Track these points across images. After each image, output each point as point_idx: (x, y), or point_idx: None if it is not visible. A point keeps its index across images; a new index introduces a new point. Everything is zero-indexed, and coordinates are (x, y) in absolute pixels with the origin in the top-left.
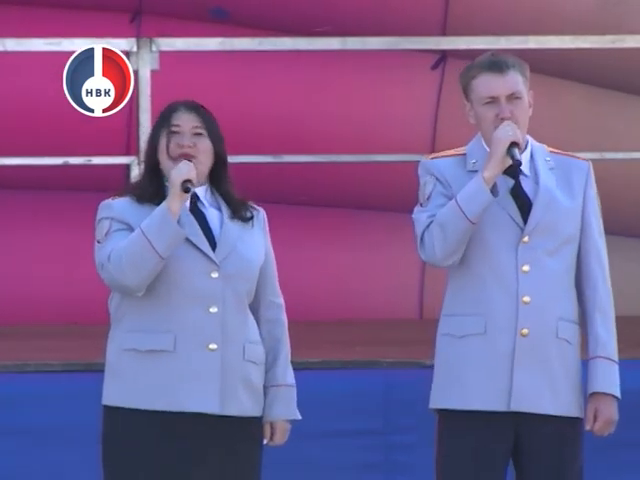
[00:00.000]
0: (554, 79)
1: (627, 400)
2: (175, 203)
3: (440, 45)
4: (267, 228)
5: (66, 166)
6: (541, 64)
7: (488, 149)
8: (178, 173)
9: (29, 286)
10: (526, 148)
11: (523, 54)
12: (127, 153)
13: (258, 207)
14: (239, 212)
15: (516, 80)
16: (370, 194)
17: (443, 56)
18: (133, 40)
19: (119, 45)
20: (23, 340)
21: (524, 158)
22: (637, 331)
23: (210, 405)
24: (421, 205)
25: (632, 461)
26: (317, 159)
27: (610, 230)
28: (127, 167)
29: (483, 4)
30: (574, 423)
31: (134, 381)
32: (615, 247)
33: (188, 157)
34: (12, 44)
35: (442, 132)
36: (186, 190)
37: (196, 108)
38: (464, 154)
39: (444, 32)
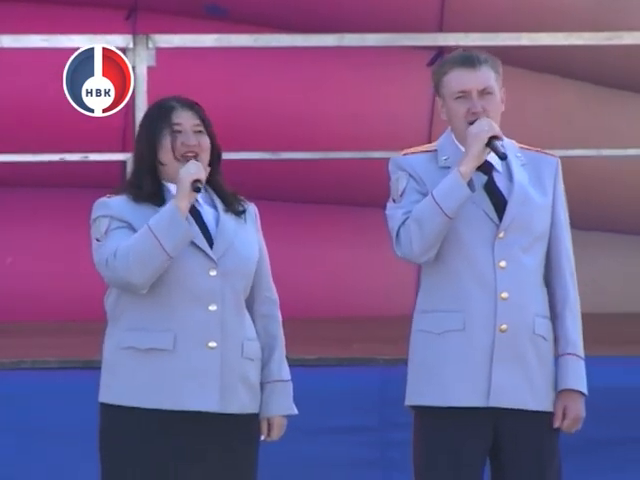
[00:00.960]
0: (550, 76)
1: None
2: (184, 202)
3: (436, 41)
4: (259, 223)
5: (63, 163)
6: (538, 61)
7: (460, 145)
8: (188, 172)
9: (26, 283)
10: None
11: (520, 51)
12: (124, 150)
13: (248, 202)
14: (232, 205)
15: (488, 75)
16: (367, 191)
17: (439, 52)
18: (129, 37)
19: (115, 42)
20: (20, 337)
21: (495, 156)
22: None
23: (210, 403)
24: (394, 201)
25: (625, 459)
26: (314, 156)
27: (600, 227)
28: (124, 164)
29: (480, 1)
30: (550, 418)
31: (133, 379)
32: (608, 244)
33: (192, 156)
34: (8, 40)
35: (438, 128)
36: (197, 190)
37: (192, 106)
38: (435, 150)
39: (441, 29)
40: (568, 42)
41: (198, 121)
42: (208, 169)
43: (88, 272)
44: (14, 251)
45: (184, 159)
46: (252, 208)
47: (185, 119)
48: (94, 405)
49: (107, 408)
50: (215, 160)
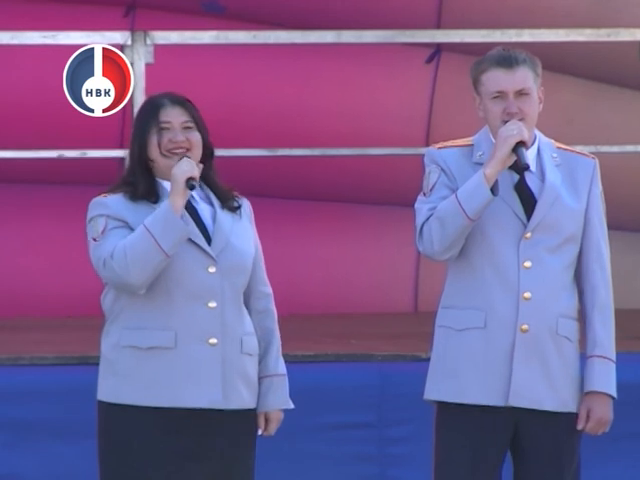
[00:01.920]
0: (550, 73)
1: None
2: (179, 200)
3: (435, 38)
4: (253, 218)
5: (61, 159)
6: (540, 59)
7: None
8: (181, 170)
9: (23, 279)
10: (534, 143)
11: (521, 48)
12: (121, 146)
13: (242, 197)
14: (227, 202)
15: (525, 76)
16: (365, 188)
17: (437, 50)
18: (127, 33)
19: (114, 38)
20: (17, 333)
21: (531, 154)
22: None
23: (213, 400)
24: (424, 195)
25: (625, 454)
26: (311, 152)
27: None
28: (121, 160)
29: None
30: (572, 419)
31: (134, 378)
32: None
33: (183, 152)
34: (6, 37)
35: (436, 125)
36: (191, 187)
37: (182, 102)
38: (471, 145)
39: (439, 26)
40: (569, 38)
41: (187, 118)
42: (201, 166)
43: (85, 268)
44: (12, 247)
45: (172, 155)
46: (246, 203)
47: (173, 116)
48: (91, 401)
49: (106, 406)
50: (208, 157)
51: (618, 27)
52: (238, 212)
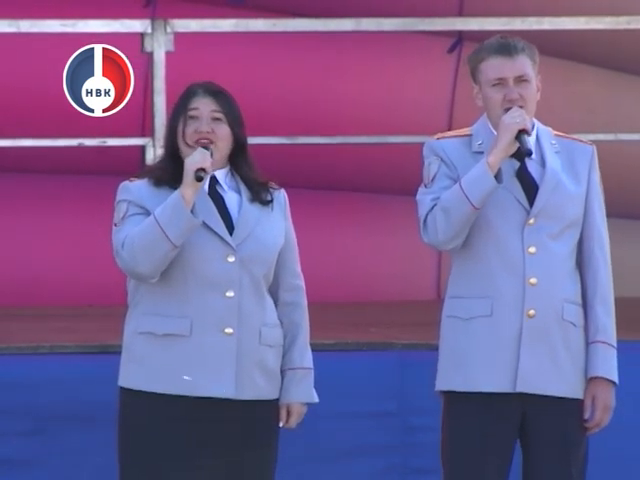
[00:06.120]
0: (571, 63)
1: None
2: (188, 191)
3: (455, 26)
4: (288, 209)
5: (81, 148)
6: (557, 47)
7: (494, 131)
8: (192, 161)
9: (44, 268)
10: (532, 130)
11: (539, 38)
12: (142, 135)
13: (279, 188)
14: (259, 195)
15: (525, 63)
16: (388, 178)
17: (459, 39)
18: (147, 22)
19: (134, 27)
20: (38, 321)
21: (530, 141)
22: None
23: (226, 389)
24: (425, 186)
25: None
26: (331, 140)
27: (620, 213)
28: (142, 148)
29: None
30: (579, 404)
31: (150, 364)
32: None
33: (206, 143)
34: (26, 25)
35: (458, 116)
36: (199, 179)
37: (215, 92)
38: (470, 135)
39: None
40: (589, 26)
41: (216, 108)
42: (211, 159)
43: (106, 257)
44: (33, 236)
45: (198, 145)
46: (282, 195)
47: (203, 105)
48: (112, 390)
49: (124, 392)
50: (239, 150)
51: (638, 15)
52: (270, 204)
